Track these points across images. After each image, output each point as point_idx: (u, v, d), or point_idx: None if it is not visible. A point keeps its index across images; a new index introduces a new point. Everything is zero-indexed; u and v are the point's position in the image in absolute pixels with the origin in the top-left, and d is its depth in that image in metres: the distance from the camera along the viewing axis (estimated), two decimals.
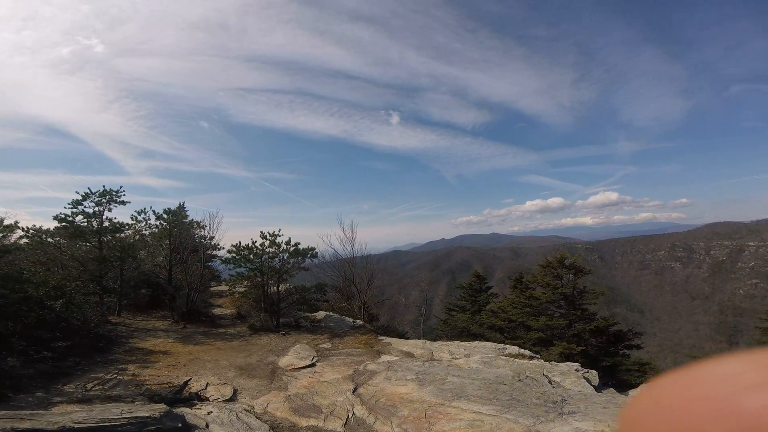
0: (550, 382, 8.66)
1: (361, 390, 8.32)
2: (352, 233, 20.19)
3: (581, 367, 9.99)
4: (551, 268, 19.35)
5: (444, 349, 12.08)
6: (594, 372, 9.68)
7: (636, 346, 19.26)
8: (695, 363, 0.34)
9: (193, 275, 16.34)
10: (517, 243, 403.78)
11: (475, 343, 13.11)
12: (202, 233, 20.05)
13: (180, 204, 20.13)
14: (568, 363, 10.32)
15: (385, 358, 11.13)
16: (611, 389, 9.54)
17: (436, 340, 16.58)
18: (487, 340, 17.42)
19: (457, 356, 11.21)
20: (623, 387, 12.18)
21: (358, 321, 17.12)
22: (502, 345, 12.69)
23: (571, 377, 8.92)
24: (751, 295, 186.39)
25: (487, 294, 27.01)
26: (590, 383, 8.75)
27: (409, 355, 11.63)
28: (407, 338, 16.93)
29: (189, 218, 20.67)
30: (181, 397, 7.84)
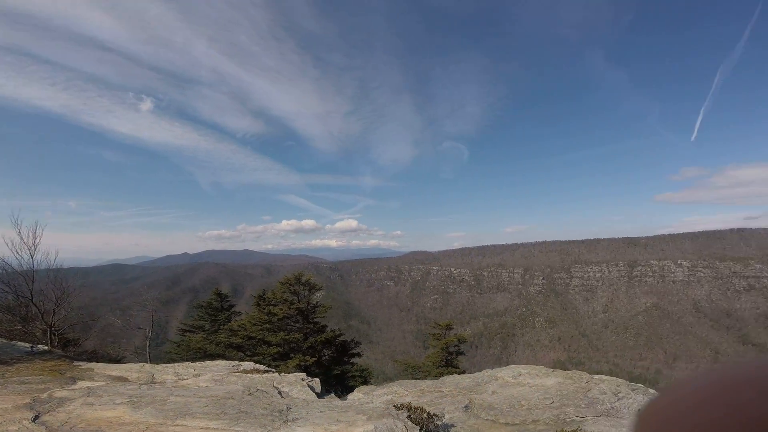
0: (279, 392, 9.14)
1: (46, 417, 6.96)
2: (34, 237, 15.65)
3: (307, 376, 11.00)
4: (289, 284, 20.53)
5: (169, 371, 10.96)
6: (317, 380, 10.83)
7: (357, 354, 22.57)
8: (710, 367, 0.35)
9: None
10: (270, 261, 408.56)
11: (208, 362, 12.44)
12: None
13: None
14: (295, 374, 11.17)
15: (83, 384, 9.48)
16: (332, 395, 10.88)
17: (170, 363, 15.11)
18: (226, 358, 16.93)
19: (185, 377, 10.49)
20: (349, 392, 14.00)
21: (41, 346, 13.81)
22: (237, 362, 12.50)
23: (297, 386, 9.68)
24: (434, 307, 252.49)
25: (230, 312, 26.04)
26: (314, 391, 9.73)
27: (121, 379, 10.27)
28: (124, 363, 14.52)
29: None
30: None
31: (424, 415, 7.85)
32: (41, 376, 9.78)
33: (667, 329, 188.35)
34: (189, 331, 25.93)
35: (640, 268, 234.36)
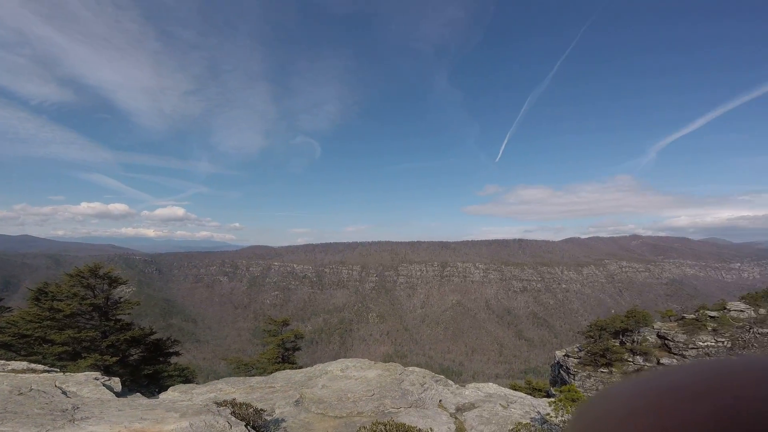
0: (64, 392, 7.74)
1: None
2: None
3: (103, 375, 9.54)
4: (81, 277, 17.38)
5: None
6: (117, 379, 9.51)
7: (175, 353, 20.26)
8: (641, 375, 0.35)
9: None
10: (60, 249, 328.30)
11: None
12: None
13: None
14: (86, 373, 9.59)
15: None
16: (137, 394, 9.67)
17: None
18: None
19: None
20: (165, 391, 12.43)
21: None
22: (4, 361, 9.96)
23: (89, 386, 8.35)
24: (274, 304, 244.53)
25: None
26: (112, 390, 8.54)
27: None
28: None
29: None
30: None
31: (251, 410, 7.74)
32: None
33: (467, 324, 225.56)
34: None
35: (449, 268, 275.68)
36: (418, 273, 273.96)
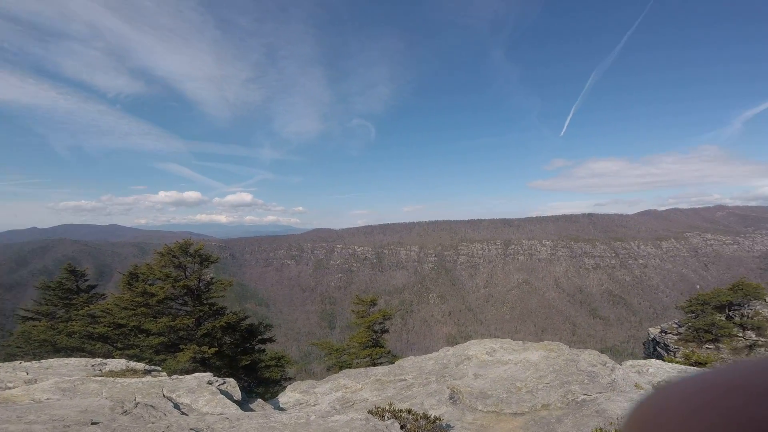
0: (176, 406, 5.69)
1: None
2: None
3: (215, 376, 7.53)
4: (172, 256, 16.14)
5: None
6: (232, 381, 7.42)
7: (269, 339, 19.04)
8: (702, 370, 0.33)
9: None
10: (144, 238, 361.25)
11: (53, 361, 8.09)
12: None
13: None
14: (197, 374, 7.55)
15: None
16: (259, 401, 7.60)
17: (8, 361, 10.79)
18: (86, 353, 12.50)
19: (10, 384, 6.31)
20: (269, 385, 10.70)
21: None
22: (101, 360, 8.36)
23: (204, 395, 6.26)
24: (338, 286, 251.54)
25: (89, 295, 20.15)
26: (232, 399, 6.41)
27: None
28: None
29: None
30: None
31: (422, 422, 5.27)
32: None
33: (535, 304, 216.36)
34: (32, 318, 19.46)
35: (513, 246, 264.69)
36: (480, 252, 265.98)
